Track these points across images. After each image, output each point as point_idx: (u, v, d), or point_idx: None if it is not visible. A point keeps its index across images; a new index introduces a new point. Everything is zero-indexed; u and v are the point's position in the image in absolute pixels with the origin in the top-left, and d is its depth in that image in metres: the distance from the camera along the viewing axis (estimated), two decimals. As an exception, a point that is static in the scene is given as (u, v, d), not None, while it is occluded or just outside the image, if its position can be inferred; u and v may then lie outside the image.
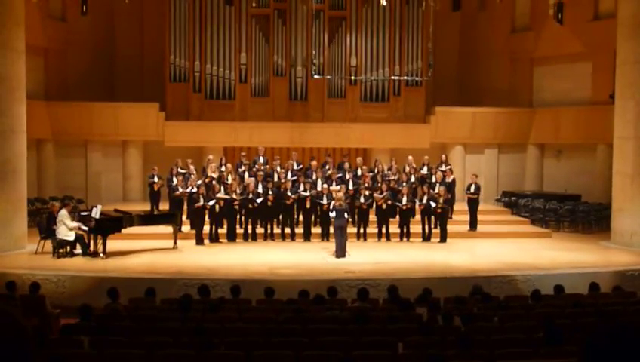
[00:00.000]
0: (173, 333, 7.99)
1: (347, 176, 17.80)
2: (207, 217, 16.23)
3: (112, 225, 14.49)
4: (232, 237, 16.38)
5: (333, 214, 14.90)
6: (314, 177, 17.40)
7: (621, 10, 16.22)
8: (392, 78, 20.68)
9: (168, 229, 15.71)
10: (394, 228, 16.82)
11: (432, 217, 16.78)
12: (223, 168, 17.72)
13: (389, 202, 16.60)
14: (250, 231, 16.63)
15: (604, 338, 1.72)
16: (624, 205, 15.97)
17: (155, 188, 17.84)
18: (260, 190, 16.64)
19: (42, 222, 14.95)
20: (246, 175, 17.55)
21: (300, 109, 21.06)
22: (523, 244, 16.44)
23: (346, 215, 14.87)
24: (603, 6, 20.14)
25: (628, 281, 12.87)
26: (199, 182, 16.77)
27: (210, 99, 20.76)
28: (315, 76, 19.22)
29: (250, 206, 16.45)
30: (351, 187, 17.29)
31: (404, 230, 16.77)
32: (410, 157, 18.73)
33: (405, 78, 20.75)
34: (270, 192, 16.56)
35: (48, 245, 14.44)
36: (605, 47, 19.07)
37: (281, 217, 16.89)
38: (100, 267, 13.44)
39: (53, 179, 20.48)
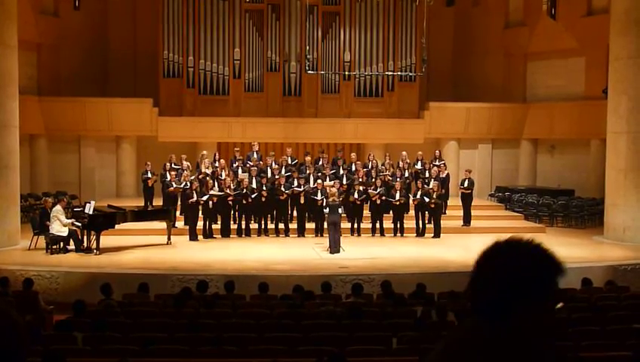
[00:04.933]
0: (168, 329, 7.99)
1: (341, 172, 17.81)
2: (200, 213, 16.21)
3: (105, 220, 14.46)
4: (225, 232, 16.37)
5: (326, 210, 14.91)
6: (308, 173, 17.39)
7: (614, 6, 16.25)
8: (386, 73, 20.66)
9: (162, 225, 15.69)
10: (388, 223, 16.84)
11: (426, 212, 16.81)
12: (217, 164, 17.69)
13: (383, 197, 16.61)
14: (244, 226, 16.62)
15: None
16: (617, 200, 16.03)
17: (149, 183, 17.80)
18: (254, 185, 16.63)
19: (35, 218, 14.91)
20: (240, 170, 17.53)
21: (294, 105, 21.03)
22: (516, 239, 16.46)
23: (340, 210, 14.89)
24: (596, 2, 20.16)
25: (621, 276, 12.95)
26: (192, 177, 16.74)
27: (203, 94, 20.69)
28: (309, 71, 19.20)
29: (244, 201, 16.44)
30: (345, 182, 17.28)
31: (398, 225, 16.79)
32: (404, 153, 18.75)
33: (399, 73, 20.74)
34: (264, 188, 16.55)
35: (41, 241, 14.40)
36: (598, 43, 19.11)
37: (275, 213, 16.89)
38: (94, 263, 13.40)
39: (47, 174, 20.40)
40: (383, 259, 14.00)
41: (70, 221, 14.43)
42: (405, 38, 21.10)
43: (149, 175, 17.84)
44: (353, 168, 18.04)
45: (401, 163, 18.41)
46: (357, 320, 8.45)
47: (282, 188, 16.54)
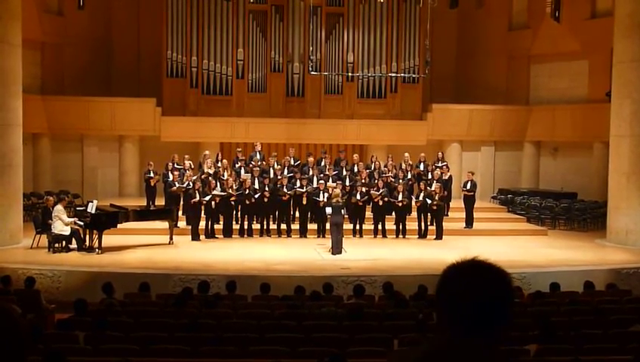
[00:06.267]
0: (169, 329, 7.99)
1: (344, 173, 17.80)
2: (202, 213, 16.21)
3: (107, 220, 14.47)
4: (227, 233, 16.37)
5: (329, 210, 14.90)
6: (310, 173, 17.39)
7: (618, 9, 16.23)
8: (389, 75, 20.66)
9: (164, 225, 15.69)
10: (390, 224, 16.83)
11: (428, 214, 16.79)
12: (219, 164, 17.70)
13: (386, 199, 16.61)
14: (246, 227, 16.62)
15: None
16: (620, 203, 16.01)
17: (152, 183, 17.81)
18: (257, 186, 16.62)
19: (38, 217, 14.92)
20: (242, 171, 17.53)
21: (297, 105, 21.05)
22: (519, 242, 16.46)
23: (342, 212, 14.88)
24: (600, 4, 20.14)
25: (623, 279, 12.92)
26: (195, 177, 16.76)
27: (207, 94, 20.72)
28: (312, 72, 19.20)
29: (246, 202, 16.44)
30: (347, 183, 17.28)
31: (400, 227, 16.78)
32: (406, 154, 18.75)
33: (402, 75, 20.74)
34: (266, 188, 16.55)
35: (44, 240, 14.41)
36: (602, 46, 19.08)
37: (277, 213, 16.89)
38: (96, 262, 13.42)
39: (49, 173, 20.42)
40: (384, 261, 13.99)
41: (72, 220, 14.44)
42: (408, 39, 21.11)
43: (152, 174, 17.86)
44: (356, 169, 18.03)
45: (403, 164, 18.41)
46: (358, 321, 8.45)
47: (284, 189, 16.54)
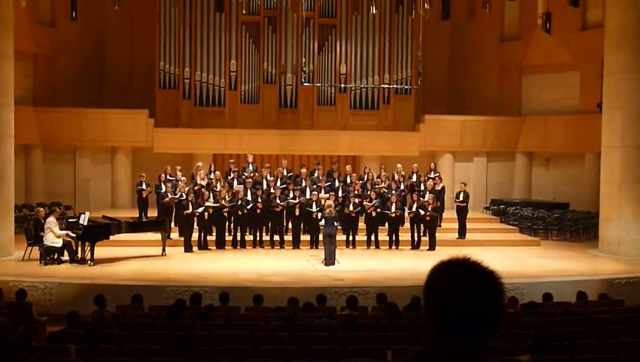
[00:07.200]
0: (162, 341, 7.95)
1: (337, 184, 17.81)
2: (195, 224, 16.17)
3: (100, 231, 14.41)
4: (220, 244, 16.33)
5: (322, 222, 14.90)
6: (303, 184, 17.39)
7: (608, 21, 16.36)
8: (382, 86, 20.72)
9: (157, 236, 15.64)
10: (383, 235, 16.83)
11: (421, 225, 16.81)
12: (212, 175, 17.68)
13: (378, 210, 16.61)
14: (239, 238, 16.59)
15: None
16: (612, 214, 16.07)
17: (144, 195, 17.78)
18: (249, 197, 16.61)
19: (29, 229, 14.84)
20: (235, 182, 17.51)
21: (290, 117, 21.06)
22: (511, 252, 16.47)
23: (335, 223, 14.88)
24: (591, 16, 20.29)
25: (615, 289, 12.96)
26: (187, 188, 16.72)
27: (199, 106, 20.71)
28: (305, 84, 19.23)
29: (239, 213, 16.41)
30: (340, 195, 17.28)
31: (394, 238, 16.78)
32: (399, 165, 18.78)
33: (395, 86, 20.80)
34: (259, 199, 16.53)
35: (35, 252, 14.33)
36: (593, 57, 19.21)
37: (270, 224, 16.86)
38: (88, 274, 13.35)
39: (41, 185, 20.35)
40: (378, 272, 13.98)
41: (64, 232, 14.38)
42: (401, 51, 21.19)
43: (144, 186, 17.82)
44: (348, 180, 18.04)
45: (396, 175, 18.43)
46: (352, 332, 8.43)
47: (277, 200, 16.52)
